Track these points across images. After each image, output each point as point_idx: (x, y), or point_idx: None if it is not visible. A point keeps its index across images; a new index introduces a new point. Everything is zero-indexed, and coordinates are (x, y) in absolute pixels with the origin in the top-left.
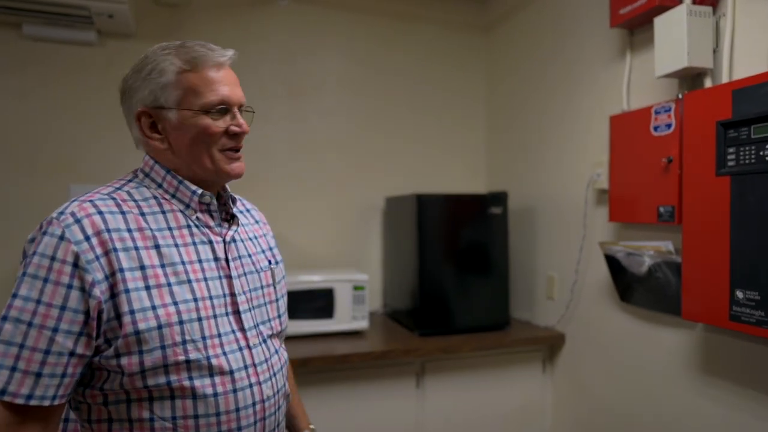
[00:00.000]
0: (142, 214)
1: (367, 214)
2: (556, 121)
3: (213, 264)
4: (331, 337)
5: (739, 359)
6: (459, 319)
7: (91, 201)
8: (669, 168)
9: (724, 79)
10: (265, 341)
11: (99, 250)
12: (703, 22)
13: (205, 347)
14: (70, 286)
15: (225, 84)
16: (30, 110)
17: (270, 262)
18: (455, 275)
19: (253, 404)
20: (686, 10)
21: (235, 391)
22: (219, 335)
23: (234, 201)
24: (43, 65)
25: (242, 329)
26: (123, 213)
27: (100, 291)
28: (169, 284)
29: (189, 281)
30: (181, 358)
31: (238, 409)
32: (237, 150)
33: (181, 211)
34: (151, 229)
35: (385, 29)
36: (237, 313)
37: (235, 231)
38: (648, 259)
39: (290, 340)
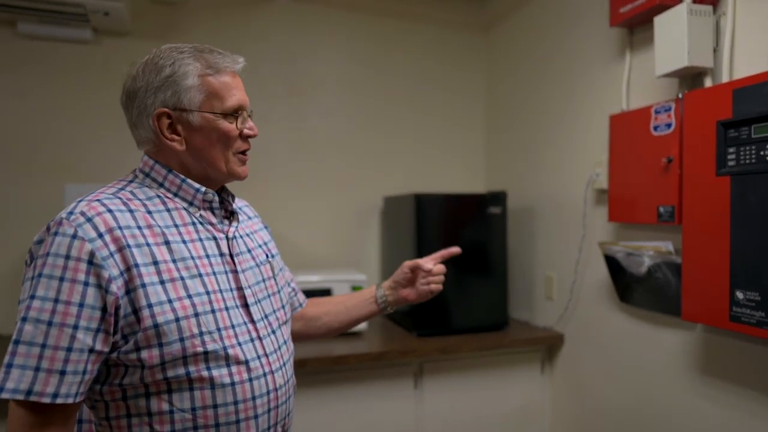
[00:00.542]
0: (149, 212)
1: (366, 214)
2: (556, 121)
3: (219, 259)
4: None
5: (739, 360)
6: (457, 320)
7: (98, 200)
8: (669, 168)
9: (725, 79)
10: (274, 332)
11: (113, 247)
12: (704, 21)
13: (221, 338)
14: (86, 284)
15: (240, 89)
16: (25, 109)
17: (267, 256)
18: (454, 275)
19: (268, 393)
20: (686, 9)
21: (251, 380)
22: (233, 326)
23: (233, 198)
24: (38, 63)
25: (252, 321)
26: (131, 211)
27: (116, 287)
28: (182, 278)
29: (200, 275)
30: (200, 349)
31: (254, 397)
32: (246, 152)
33: (184, 209)
34: (159, 226)
35: (385, 29)
36: (246, 306)
37: (236, 227)
38: (647, 260)
39: None
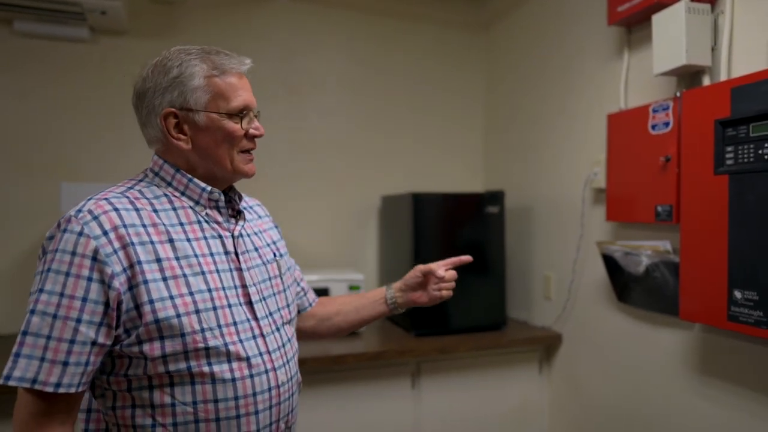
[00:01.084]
0: (155, 211)
1: (364, 214)
2: (554, 120)
3: (224, 257)
4: None
5: (737, 360)
6: (455, 319)
7: (106, 199)
8: (667, 167)
9: (723, 77)
10: (278, 329)
11: (117, 244)
12: (702, 19)
13: (222, 335)
14: (90, 279)
15: (246, 90)
16: (21, 108)
17: (275, 255)
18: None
19: (269, 389)
20: (684, 7)
21: (251, 376)
22: (234, 323)
23: (240, 198)
24: (35, 62)
25: (255, 318)
26: (137, 210)
27: (119, 283)
28: (184, 275)
29: (203, 273)
30: (201, 345)
31: (255, 394)
32: (251, 151)
33: (191, 208)
34: (164, 225)
35: (384, 28)
36: (249, 303)
37: (242, 226)
38: (645, 259)
39: None
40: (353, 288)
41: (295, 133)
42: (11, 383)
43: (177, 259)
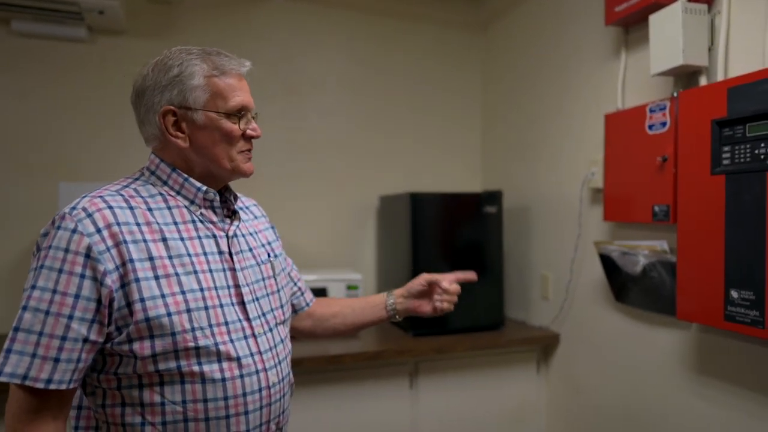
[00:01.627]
0: (149, 210)
1: (362, 214)
2: (551, 120)
3: (217, 257)
4: None
5: (734, 359)
6: (453, 319)
7: (100, 197)
8: (664, 167)
9: (720, 77)
10: (271, 330)
11: (110, 242)
12: (699, 19)
13: (213, 334)
14: (82, 276)
15: (244, 91)
16: (19, 107)
17: (269, 255)
18: None
19: (260, 390)
20: (681, 7)
21: (242, 376)
22: (226, 323)
23: (235, 198)
24: (33, 62)
25: (247, 318)
26: (131, 208)
27: (111, 280)
28: (176, 274)
29: (195, 272)
30: (191, 344)
31: (245, 394)
32: (250, 151)
33: (185, 207)
34: (158, 223)
35: (382, 28)
36: (242, 303)
37: (237, 226)
38: (643, 259)
39: None
40: (351, 288)
41: (294, 133)
42: (2, 379)
43: (170, 257)
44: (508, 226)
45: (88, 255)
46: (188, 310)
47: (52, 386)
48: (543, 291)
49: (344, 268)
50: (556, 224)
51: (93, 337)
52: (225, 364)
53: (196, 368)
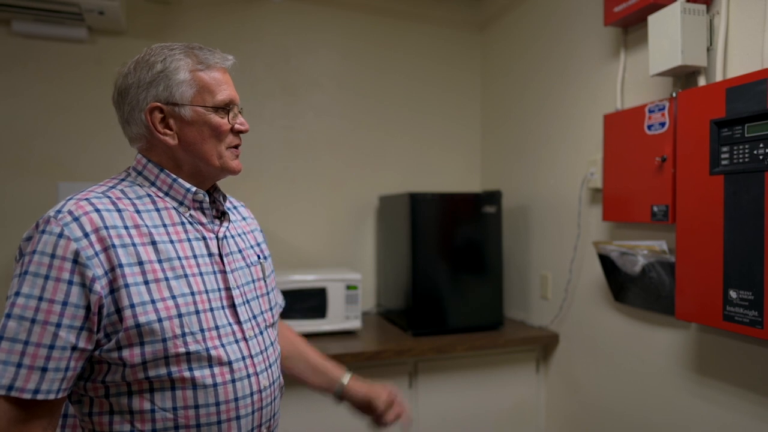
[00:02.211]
0: (138, 212)
1: (361, 213)
2: (550, 120)
3: (207, 259)
4: (324, 337)
5: (732, 359)
6: (452, 319)
7: (87, 199)
8: (663, 167)
9: (718, 78)
10: (261, 333)
11: (98, 247)
12: (697, 20)
13: (204, 339)
14: (70, 282)
15: (230, 85)
16: (20, 107)
17: (259, 257)
18: (449, 275)
19: (251, 394)
20: (680, 8)
21: (233, 381)
22: (216, 327)
23: (224, 198)
24: (33, 62)
25: (238, 322)
26: (119, 210)
27: (100, 286)
28: (166, 279)
29: (185, 276)
30: (182, 350)
31: (236, 399)
32: (238, 147)
33: (174, 209)
34: (146, 226)
35: (380, 27)
36: (233, 306)
37: (227, 228)
38: (642, 259)
39: None
40: (351, 288)
41: (294, 132)
42: None
43: (159, 261)
44: (508, 226)
45: (75, 260)
46: (179, 315)
47: (40, 396)
48: (542, 291)
49: (344, 268)
50: (556, 224)
51: (82, 344)
52: (216, 369)
53: (187, 374)
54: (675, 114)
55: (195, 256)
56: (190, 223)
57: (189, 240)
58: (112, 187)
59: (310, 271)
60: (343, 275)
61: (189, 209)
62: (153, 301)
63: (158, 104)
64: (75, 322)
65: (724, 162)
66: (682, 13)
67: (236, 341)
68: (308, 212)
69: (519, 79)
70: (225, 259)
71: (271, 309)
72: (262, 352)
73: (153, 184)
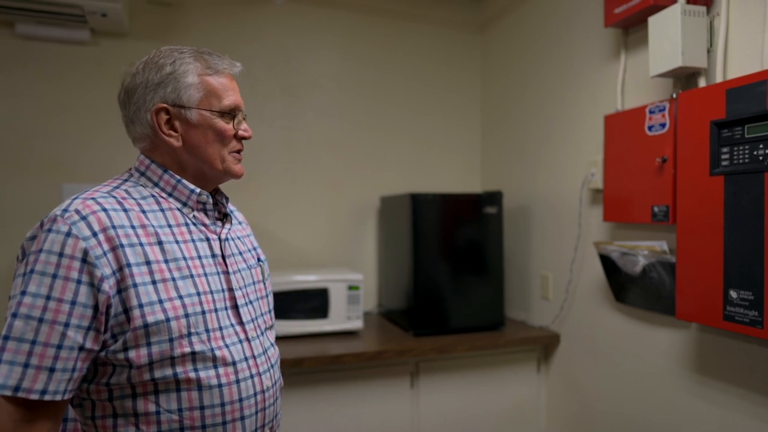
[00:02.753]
0: (143, 212)
1: (362, 214)
2: (551, 120)
3: (211, 260)
4: (326, 337)
5: (733, 359)
6: (454, 319)
7: (93, 198)
8: (663, 167)
9: (718, 79)
10: (262, 334)
11: (106, 246)
12: (698, 21)
13: (209, 339)
14: (79, 282)
15: (236, 91)
16: (23, 109)
17: (258, 260)
18: (450, 275)
19: (255, 394)
20: (680, 9)
21: (237, 381)
22: (220, 328)
23: (227, 200)
24: (36, 64)
25: (241, 323)
26: (125, 210)
27: (108, 286)
28: (173, 279)
29: (192, 276)
30: (187, 350)
31: (241, 399)
32: (241, 152)
33: (178, 209)
34: (153, 226)
35: (380, 28)
36: (235, 307)
37: (229, 230)
38: (642, 259)
39: (284, 340)
40: (353, 288)
41: (294, 133)
42: None
43: (166, 261)
44: (509, 227)
45: (84, 260)
46: (186, 315)
47: (47, 397)
48: (543, 291)
49: (345, 269)
50: (556, 225)
51: (89, 345)
52: (221, 370)
53: (192, 375)
54: (675, 115)
55: (199, 257)
56: (194, 224)
57: (193, 241)
58: (117, 188)
59: (312, 272)
60: (345, 275)
61: (192, 210)
62: (161, 301)
63: (165, 105)
64: (83, 322)
65: (724, 163)
66: (682, 14)
67: (239, 341)
68: (309, 213)
69: (519, 79)
70: (227, 261)
71: (270, 311)
72: (263, 353)
73: (156, 184)
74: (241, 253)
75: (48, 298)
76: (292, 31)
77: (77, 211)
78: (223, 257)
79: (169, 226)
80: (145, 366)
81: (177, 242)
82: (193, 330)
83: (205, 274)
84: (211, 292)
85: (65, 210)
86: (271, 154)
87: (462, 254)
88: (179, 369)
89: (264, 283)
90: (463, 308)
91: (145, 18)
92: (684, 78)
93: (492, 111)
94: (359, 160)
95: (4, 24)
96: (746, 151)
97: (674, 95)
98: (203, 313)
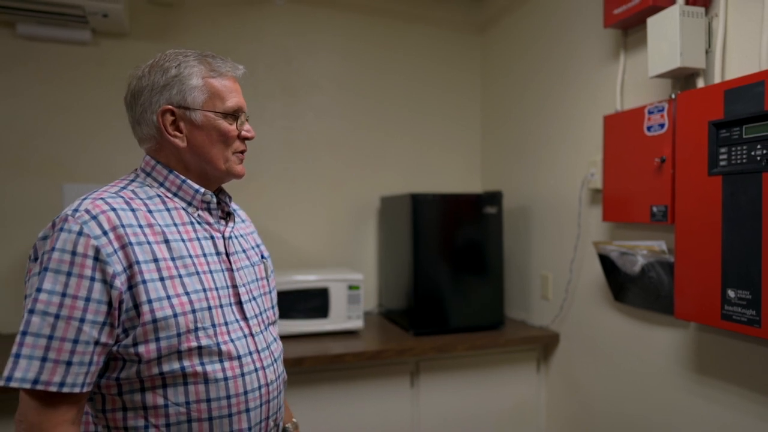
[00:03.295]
0: (150, 212)
1: (362, 214)
2: (551, 121)
3: (216, 258)
4: (326, 336)
5: (731, 358)
6: (454, 319)
7: (102, 199)
8: (662, 168)
9: (717, 80)
10: (265, 329)
11: (116, 244)
12: (696, 22)
13: (215, 334)
14: (92, 279)
15: (239, 93)
16: (23, 109)
17: (261, 257)
18: (450, 275)
19: (259, 387)
20: (679, 10)
21: (243, 375)
22: (226, 323)
23: (230, 199)
24: (37, 64)
25: (245, 318)
26: (133, 210)
27: (120, 282)
28: (180, 275)
29: (197, 273)
30: (194, 344)
31: (246, 392)
32: (243, 153)
33: (183, 209)
34: (159, 225)
35: (380, 28)
36: (239, 303)
37: (233, 228)
38: (641, 259)
39: (285, 339)
40: (353, 288)
41: (294, 134)
42: (12, 384)
43: (173, 259)
44: (508, 227)
45: (96, 258)
46: (193, 311)
47: (65, 389)
48: (543, 291)
49: (345, 269)
50: (556, 225)
51: (104, 339)
52: (227, 364)
53: (199, 368)
54: (674, 115)
55: (204, 255)
56: (199, 223)
57: (198, 239)
58: (123, 188)
59: (312, 272)
60: (345, 275)
61: (197, 209)
62: (168, 297)
63: (170, 107)
64: (98, 317)
65: (722, 163)
66: (680, 15)
67: (244, 336)
68: (309, 213)
69: (519, 80)
70: (231, 258)
71: (273, 307)
72: (267, 347)
73: (162, 184)
74: (244, 251)
75: (63, 294)
76: (292, 32)
77: (87, 211)
78: (227, 255)
79: (175, 224)
80: (154, 360)
81: (183, 240)
82: (199, 325)
83: (210, 271)
84: (217, 289)
85: (76, 210)
86: (272, 154)
87: (462, 254)
88: (186, 363)
89: (267, 280)
90: (463, 308)
91: (146, 18)
92: (683, 78)
93: (492, 111)
94: (359, 160)
95: (5, 24)
96: (744, 152)
97: (673, 96)
98: (209, 308)
